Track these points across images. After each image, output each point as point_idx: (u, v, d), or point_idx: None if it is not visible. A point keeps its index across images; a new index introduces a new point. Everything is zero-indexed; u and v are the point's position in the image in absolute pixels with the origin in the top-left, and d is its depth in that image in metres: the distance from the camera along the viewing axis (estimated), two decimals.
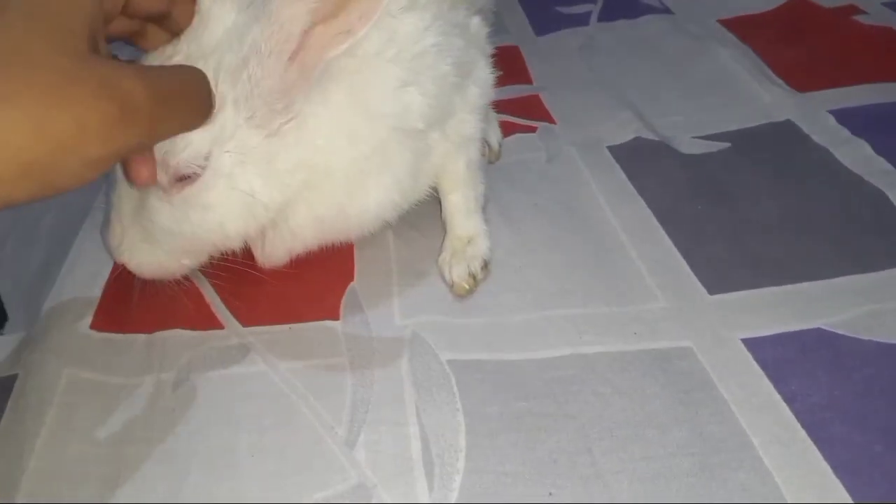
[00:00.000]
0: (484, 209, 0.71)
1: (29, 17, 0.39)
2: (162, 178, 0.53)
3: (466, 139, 0.65)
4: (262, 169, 0.53)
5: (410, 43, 0.56)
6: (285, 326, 0.61)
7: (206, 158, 0.52)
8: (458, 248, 0.66)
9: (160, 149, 0.51)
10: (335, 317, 0.62)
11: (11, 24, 0.38)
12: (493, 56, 0.86)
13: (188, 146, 0.51)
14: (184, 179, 0.53)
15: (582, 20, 1.13)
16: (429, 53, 0.57)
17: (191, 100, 0.49)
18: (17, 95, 0.36)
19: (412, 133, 0.58)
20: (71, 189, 0.40)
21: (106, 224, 0.61)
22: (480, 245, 0.67)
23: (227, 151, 0.52)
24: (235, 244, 0.58)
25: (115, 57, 0.46)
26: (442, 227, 0.70)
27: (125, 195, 0.58)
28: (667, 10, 1.12)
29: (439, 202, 0.69)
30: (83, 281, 0.67)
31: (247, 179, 0.53)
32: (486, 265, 0.66)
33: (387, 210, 0.61)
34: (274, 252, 0.60)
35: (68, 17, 0.40)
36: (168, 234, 0.56)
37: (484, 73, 0.66)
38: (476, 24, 0.65)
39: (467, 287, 0.64)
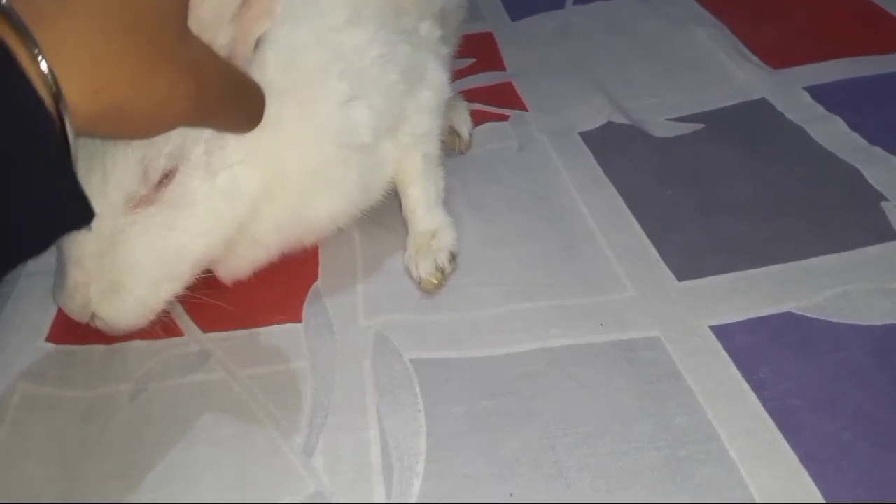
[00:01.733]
0: (446, 202, 0.69)
1: None
2: (139, 190, 0.51)
3: (422, 136, 0.64)
4: (233, 158, 0.53)
5: (356, 57, 0.55)
6: (247, 331, 0.60)
7: (182, 151, 0.51)
8: (423, 244, 0.64)
9: (134, 161, 0.50)
10: (298, 319, 0.61)
11: None
12: (466, 43, 0.86)
13: (168, 141, 0.50)
14: (163, 181, 0.51)
15: (558, 3, 1.11)
16: (374, 65, 0.56)
17: (249, 105, 0.50)
18: (132, 53, 0.39)
19: (361, 148, 0.57)
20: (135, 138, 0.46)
21: (60, 285, 0.54)
22: (446, 237, 0.65)
23: (202, 140, 0.51)
24: (218, 250, 0.56)
25: None
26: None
27: (84, 239, 0.52)
28: None
29: None
30: (41, 291, 0.66)
31: (223, 164, 0.52)
32: (453, 257, 0.64)
33: (340, 218, 0.61)
34: (239, 264, 0.59)
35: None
36: (150, 259, 0.53)
37: (437, 75, 0.65)
38: (426, 27, 0.64)
39: (435, 282, 0.63)
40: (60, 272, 0.54)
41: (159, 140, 0.49)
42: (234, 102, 0.49)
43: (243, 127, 0.51)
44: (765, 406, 0.49)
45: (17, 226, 0.37)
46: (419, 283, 0.63)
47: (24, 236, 0.38)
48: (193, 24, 0.44)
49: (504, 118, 0.85)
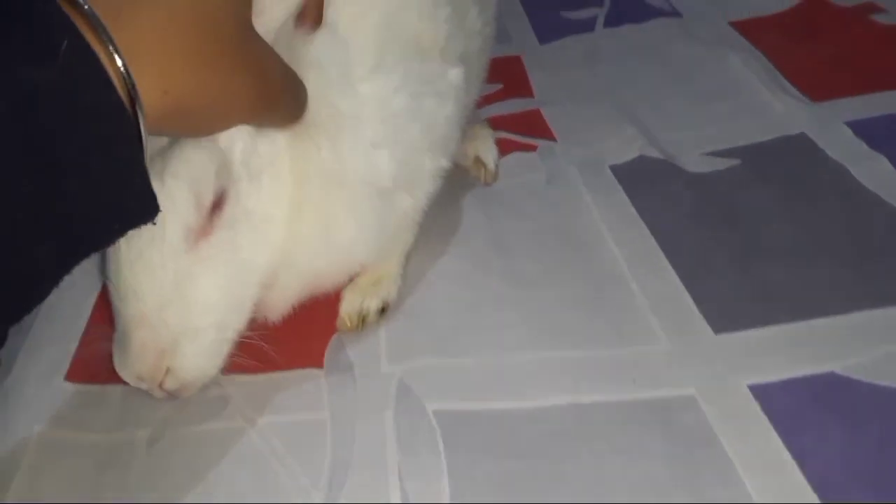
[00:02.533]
0: (471, 237, 0.69)
1: None
2: (196, 221, 0.49)
3: (425, 194, 0.63)
4: (267, 157, 0.52)
5: (379, 106, 0.54)
6: (267, 376, 0.58)
7: (226, 167, 0.50)
8: (363, 283, 0.62)
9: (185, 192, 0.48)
10: (319, 364, 0.59)
11: None
12: (493, 67, 0.84)
13: (211, 162, 0.49)
14: (216, 205, 0.49)
15: (587, 26, 1.08)
16: (398, 117, 0.55)
17: (296, 101, 0.50)
18: (199, 54, 0.41)
19: (381, 191, 0.56)
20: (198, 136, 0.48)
21: (122, 352, 0.50)
22: (386, 287, 0.63)
23: (237, 150, 0.50)
24: (275, 262, 0.53)
25: None
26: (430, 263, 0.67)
27: (145, 294, 0.48)
28: (675, 13, 1.07)
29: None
30: (60, 327, 0.65)
31: (261, 165, 0.52)
32: (383, 309, 0.62)
33: (362, 247, 0.59)
34: (279, 298, 0.56)
35: None
36: (220, 292, 0.51)
37: (453, 143, 0.64)
38: (456, 76, 0.61)
39: (349, 325, 0.61)
40: (119, 339, 0.50)
41: (202, 164, 0.48)
42: (289, 99, 0.49)
43: (289, 122, 0.51)
44: (808, 481, 0.46)
45: (91, 219, 0.39)
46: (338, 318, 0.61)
47: (97, 230, 0.40)
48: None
49: (532, 148, 0.83)
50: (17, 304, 0.38)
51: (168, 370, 0.50)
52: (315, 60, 0.51)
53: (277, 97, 0.48)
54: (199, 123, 0.45)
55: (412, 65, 0.57)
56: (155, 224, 0.42)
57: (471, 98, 0.70)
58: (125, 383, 0.58)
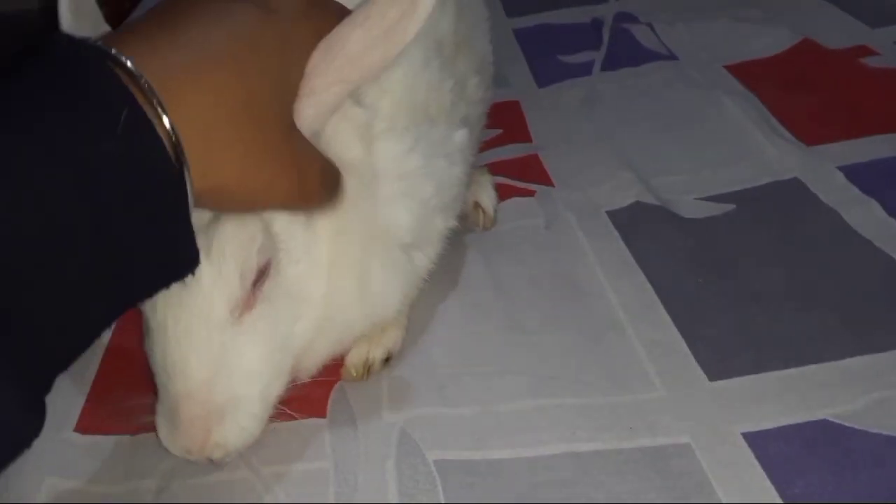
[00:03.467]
0: (469, 280, 0.71)
1: (275, 71, 0.45)
2: (240, 296, 0.50)
3: (432, 254, 0.65)
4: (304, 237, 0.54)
5: (395, 164, 0.56)
6: (271, 425, 0.59)
7: (269, 242, 0.51)
8: (369, 334, 0.63)
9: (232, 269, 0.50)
10: (322, 414, 0.60)
11: (264, 71, 0.44)
12: (492, 112, 0.86)
13: (256, 237, 0.50)
14: (259, 279, 0.51)
15: (585, 70, 1.10)
16: (414, 175, 0.58)
17: (333, 193, 0.52)
18: (242, 144, 0.43)
19: (402, 246, 0.59)
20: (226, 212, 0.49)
21: (169, 426, 0.51)
22: (392, 335, 0.64)
23: (280, 226, 0.53)
24: (312, 335, 0.56)
25: None
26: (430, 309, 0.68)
27: (190, 368, 0.49)
28: (672, 56, 1.10)
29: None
30: (70, 379, 0.66)
31: (302, 245, 0.53)
32: (388, 358, 0.63)
33: (392, 301, 0.61)
34: (311, 362, 0.58)
35: (296, 83, 0.47)
36: (264, 363, 0.52)
37: (459, 203, 0.67)
38: (461, 137, 0.64)
39: (355, 375, 0.62)
40: (164, 413, 0.52)
41: (247, 241, 0.50)
42: (325, 193, 0.51)
43: (325, 210, 0.53)
44: None
45: (144, 279, 0.42)
46: (343, 368, 0.63)
47: (147, 287, 0.43)
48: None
49: (530, 193, 0.85)
50: (67, 355, 0.41)
51: (215, 443, 0.51)
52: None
53: (314, 192, 0.50)
54: (235, 206, 0.48)
55: (422, 129, 0.59)
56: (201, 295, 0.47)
57: (473, 159, 0.72)
58: (133, 433, 0.60)
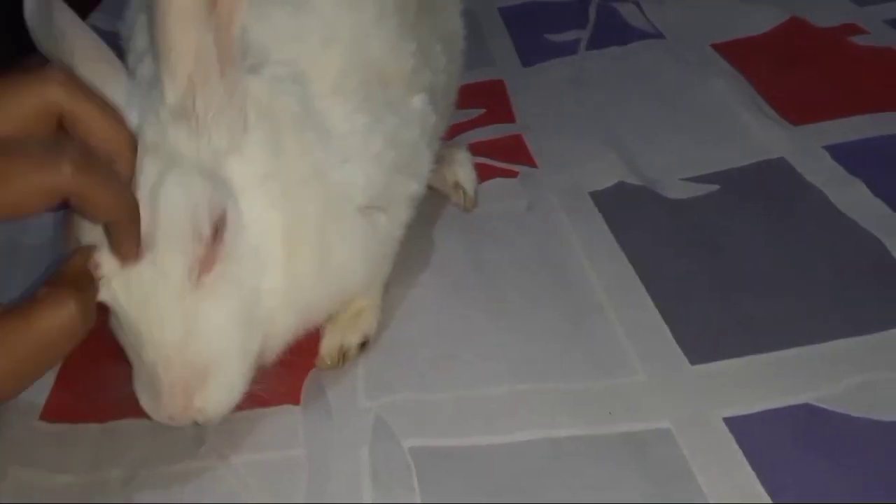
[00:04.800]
0: (451, 262, 0.70)
1: None
2: (196, 253, 0.48)
3: (398, 223, 0.63)
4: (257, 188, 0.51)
5: (342, 122, 0.55)
6: (243, 413, 0.58)
7: (222, 193, 0.49)
8: (343, 318, 0.62)
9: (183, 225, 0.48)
10: (296, 401, 0.59)
11: None
12: (476, 92, 0.84)
13: (205, 191, 0.48)
14: (216, 234, 0.49)
15: (571, 48, 1.09)
16: (360, 132, 0.56)
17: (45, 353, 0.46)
18: None
19: (359, 209, 0.57)
20: None
21: (150, 394, 0.50)
22: (366, 320, 0.62)
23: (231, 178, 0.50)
24: (270, 314, 0.53)
25: None
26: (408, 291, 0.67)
27: (159, 336, 0.48)
28: (659, 35, 1.08)
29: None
30: None
31: (262, 198, 0.51)
32: (364, 344, 0.62)
33: (355, 275, 0.59)
34: (274, 342, 0.56)
35: None
36: (233, 323, 0.51)
37: (424, 167, 0.64)
38: (420, 101, 0.62)
39: (329, 363, 0.61)
40: (143, 383, 0.51)
41: (196, 193, 0.48)
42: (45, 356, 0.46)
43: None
44: None
45: None
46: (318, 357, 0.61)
47: None
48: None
49: (513, 174, 0.83)
50: None
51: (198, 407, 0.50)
52: (269, 90, 0.52)
53: (33, 363, 0.46)
54: None
55: (373, 89, 0.58)
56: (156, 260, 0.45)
57: (438, 130, 0.70)
58: (100, 421, 0.59)
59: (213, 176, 0.49)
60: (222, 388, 0.51)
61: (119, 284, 0.48)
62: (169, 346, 0.49)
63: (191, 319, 0.49)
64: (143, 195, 0.47)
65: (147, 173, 0.48)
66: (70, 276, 0.47)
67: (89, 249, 0.48)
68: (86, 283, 0.47)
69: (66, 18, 0.51)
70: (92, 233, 0.49)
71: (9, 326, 0.43)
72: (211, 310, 0.49)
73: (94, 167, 0.43)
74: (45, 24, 0.51)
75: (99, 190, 0.44)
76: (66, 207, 0.46)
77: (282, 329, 0.55)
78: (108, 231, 0.47)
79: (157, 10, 0.46)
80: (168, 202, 0.47)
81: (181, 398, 0.50)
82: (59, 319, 0.44)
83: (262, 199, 0.51)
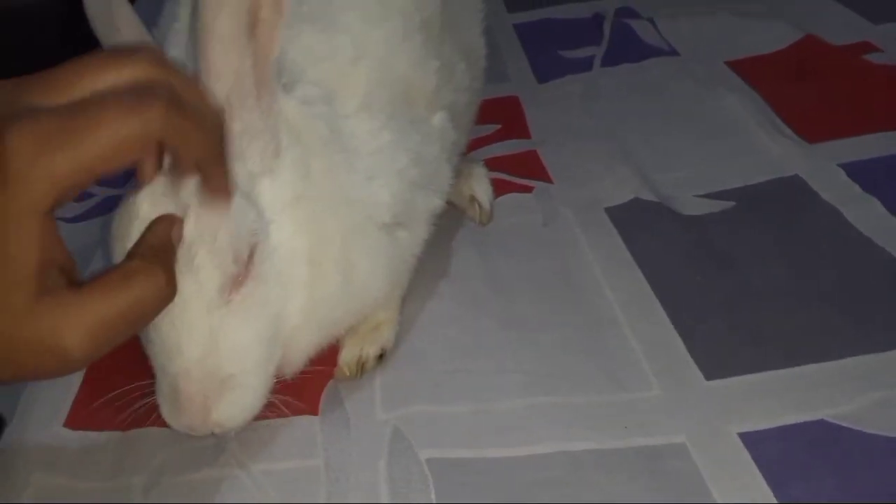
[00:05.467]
0: (465, 276, 0.70)
1: None
2: (231, 273, 0.49)
3: (419, 238, 0.64)
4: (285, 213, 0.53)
5: (367, 140, 0.56)
6: (263, 422, 0.59)
7: (258, 222, 0.51)
8: (362, 330, 0.63)
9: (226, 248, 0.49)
10: (314, 412, 0.60)
11: None
12: (492, 108, 0.85)
13: (245, 218, 0.49)
14: (250, 256, 0.50)
15: (585, 65, 1.09)
16: (386, 150, 0.57)
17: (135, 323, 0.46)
18: None
19: (383, 227, 0.58)
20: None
21: (170, 404, 0.51)
22: (385, 332, 0.64)
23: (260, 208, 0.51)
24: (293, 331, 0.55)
25: None
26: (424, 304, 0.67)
27: (183, 347, 0.49)
28: (673, 52, 1.08)
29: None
30: None
31: (291, 222, 0.52)
32: (381, 356, 0.62)
33: (377, 290, 0.60)
34: (296, 355, 0.57)
35: (19, 264, 0.40)
36: (255, 341, 0.52)
37: (445, 182, 0.65)
38: (439, 119, 0.64)
39: (348, 374, 0.62)
40: (164, 393, 0.52)
41: (239, 219, 0.49)
42: (119, 334, 0.44)
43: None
44: None
45: None
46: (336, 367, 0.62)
47: None
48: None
49: (528, 189, 0.84)
50: None
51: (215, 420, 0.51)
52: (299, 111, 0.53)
53: (80, 361, 0.43)
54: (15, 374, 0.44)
55: (398, 107, 0.59)
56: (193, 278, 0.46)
57: (458, 147, 0.71)
58: (122, 430, 0.60)
59: (249, 198, 0.50)
60: (239, 403, 0.52)
61: None
62: (191, 358, 0.50)
63: (215, 335, 0.50)
64: (188, 209, 0.48)
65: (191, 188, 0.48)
66: (156, 247, 0.47)
67: (171, 219, 0.48)
68: (170, 254, 0.48)
69: (124, 13, 0.53)
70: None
71: (105, 291, 0.43)
72: (236, 327, 0.50)
73: (185, 110, 0.43)
74: (104, 14, 0.53)
75: (191, 132, 0.43)
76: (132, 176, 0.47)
77: (303, 345, 0.57)
78: (199, 173, 0.47)
79: (198, 31, 0.47)
80: (213, 221, 0.48)
81: (200, 410, 0.51)
82: (151, 290, 0.45)
83: (291, 222, 0.52)
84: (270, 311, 0.52)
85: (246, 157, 0.50)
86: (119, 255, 0.49)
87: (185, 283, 0.48)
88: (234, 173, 0.49)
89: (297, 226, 0.53)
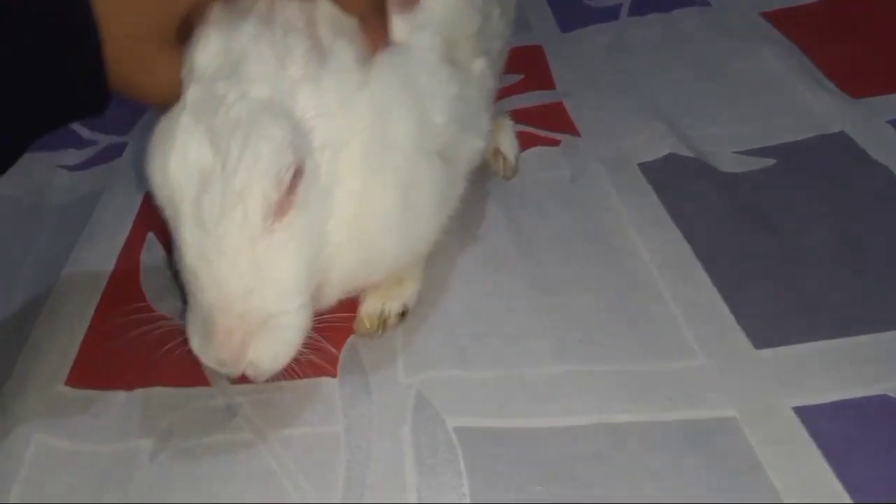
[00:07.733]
0: (491, 235, 0.67)
1: None
2: (275, 200, 0.46)
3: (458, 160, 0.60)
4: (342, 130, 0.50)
5: (425, 58, 0.55)
6: (278, 384, 0.55)
7: (302, 139, 0.47)
8: (385, 285, 0.59)
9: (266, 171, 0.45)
10: (332, 374, 0.56)
11: None
12: (513, 57, 0.80)
13: (288, 135, 0.46)
14: (294, 181, 0.46)
15: (612, 14, 1.04)
16: (439, 73, 0.55)
17: None
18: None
19: (433, 154, 0.55)
20: None
21: (204, 337, 0.48)
22: (408, 288, 0.60)
23: (316, 119, 0.48)
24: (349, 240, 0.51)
25: None
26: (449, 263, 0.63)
27: (224, 280, 0.46)
28: (704, 2, 1.03)
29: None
30: (61, 330, 0.61)
31: (337, 138, 0.49)
32: (404, 313, 0.59)
33: (429, 226, 0.57)
34: (336, 285, 0.53)
35: None
36: (299, 274, 0.48)
37: (483, 130, 0.63)
38: (479, 65, 0.61)
39: (369, 327, 0.58)
40: (197, 325, 0.48)
41: (280, 138, 0.45)
42: None
43: None
44: None
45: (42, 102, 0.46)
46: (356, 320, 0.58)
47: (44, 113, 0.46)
48: None
49: (555, 143, 0.79)
50: None
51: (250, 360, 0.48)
52: None
53: None
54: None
55: (450, 48, 0.57)
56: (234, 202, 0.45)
57: (493, 94, 0.68)
58: (127, 388, 0.56)
59: (290, 114, 0.46)
60: (279, 342, 0.48)
61: (195, 215, 0.46)
62: (233, 291, 0.46)
63: (259, 268, 0.46)
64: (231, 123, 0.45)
65: (235, 101, 0.46)
66: None
67: None
68: None
69: None
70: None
71: None
72: (280, 261, 0.47)
73: None
74: None
75: None
76: None
77: (343, 272, 0.52)
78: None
79: None
80: (256, 138, 0.45)
81: (237, 345, 0.47)
82: None
83: (341, 125, 0.49)
84: (314, 238, 0.48)
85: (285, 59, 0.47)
86: (160, 176, 0.46)
87: (225, 208, 0.44)
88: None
89: (358, 120, 0.49)
